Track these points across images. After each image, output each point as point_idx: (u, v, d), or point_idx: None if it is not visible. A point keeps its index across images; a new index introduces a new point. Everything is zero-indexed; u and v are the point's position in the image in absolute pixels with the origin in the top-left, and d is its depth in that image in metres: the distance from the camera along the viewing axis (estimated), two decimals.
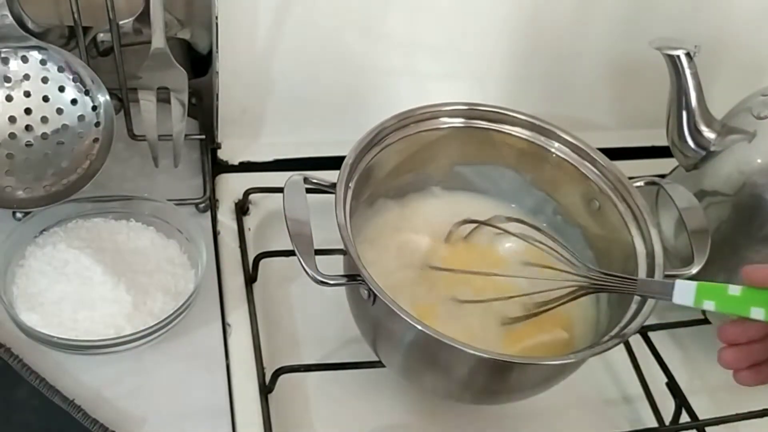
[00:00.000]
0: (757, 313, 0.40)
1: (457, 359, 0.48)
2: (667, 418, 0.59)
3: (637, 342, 0.63)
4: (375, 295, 0.47)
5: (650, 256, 0.54)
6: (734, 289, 0.42)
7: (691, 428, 0.59)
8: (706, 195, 0.64)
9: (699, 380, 0.65)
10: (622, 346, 0.63)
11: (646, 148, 0.82)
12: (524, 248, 0.59)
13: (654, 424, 0.59)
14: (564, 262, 0.56)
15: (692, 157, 0.65)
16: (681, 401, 0.60)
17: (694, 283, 0.44)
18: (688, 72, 0.62)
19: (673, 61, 0.62)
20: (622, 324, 0.49)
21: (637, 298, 0.50)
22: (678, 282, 0.45)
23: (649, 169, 0.73)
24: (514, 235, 0.59)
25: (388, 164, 0.58)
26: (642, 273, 0.53)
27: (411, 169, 0.61)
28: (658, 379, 0.61)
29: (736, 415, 0.59)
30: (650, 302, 0.49)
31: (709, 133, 0.64)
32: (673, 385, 0.61)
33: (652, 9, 0.75)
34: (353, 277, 0.48)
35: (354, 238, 0.51)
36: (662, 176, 0.69)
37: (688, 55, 0.62)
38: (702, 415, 0.59)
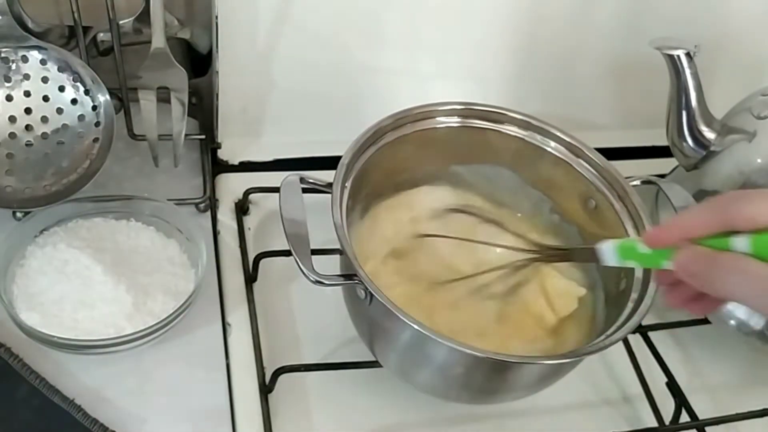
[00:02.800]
0: (667, 264, 0.42)
1: (453, 358, 0.48)
2: (667, 418, 0.59)
3: (637, 342, 0.63)
4: (372, 295, 0.47)
5: None
6: (644, 248, 0.44)
7: (691, 428, 0.59)
8: (706, 195, 0.64)
9: (699, 380, 0.65)
10: (621, 346, 0.63)
11: (646, 148, 0.82)
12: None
13: (654, 423, 0.59)
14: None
15: (692, 156, 0.65)
16: (681, 401, 0.59)
17: (613, 245, 0.47)
18: (688, 72, 0.62)
19: (673, 60, 0.62)
20: (618, 323, 0.49)
21: (633, 296, 0.50)
22: (601, 246, 0.48)
23: (649, 168, 0.73)
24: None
25: (385, 164, 0.58)
26: (638, 271, 0.53)
27: (408, 168, 0.61)
28: (658, 379, 0.61)
29: (736, 414, 0.59)
30: (646, 301, 0.49)
31: (709, 133, 0.64)
32: (672, 385, 0.60)
33: (652, 9, 0.74)
34: (350, 277, 0.48)
35: (350, 238, 0.51)
36: (662, 176, 0.69)
37: (687, 54, 0.62)
38: (702, 415, 0.59)
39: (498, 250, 0.60)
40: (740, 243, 0.38)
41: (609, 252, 0.47)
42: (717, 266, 0.39)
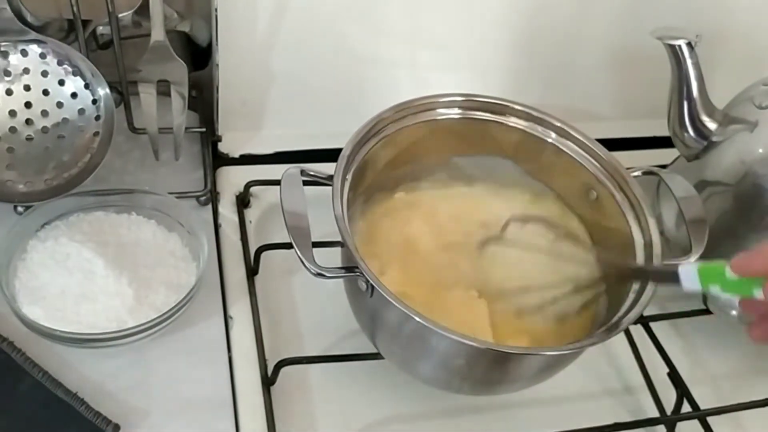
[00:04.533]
0: (758, 293, 0.41)
1: (454, 350, 0.48)
2: (669, 408, 0.59)
3: (638, 332, 0.63)
4: (373, 287, 0.47)
5: (648, 245, 0.54)
6: (731, 274, 0.43)
7: (693, 418, 0.59)
8: (707, 185, 0.63)
9: (700, 370, 0.65)
10: (623, 337, 0.63)
11: (647, 139, 0.82)
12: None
13: (655, 414, 0.59)
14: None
15: (693, 147, 0.65)
16: (682, 391, 0.60)
17: (695, 268, 0.45)
18: (689, 62, 0.62)
19: (675, 50, 0.62)
20: (620, 314, 0.49)
21: (635, 287, 0.50)
22: (681, 268, 0.46)
23: (651, 159, 0.73)
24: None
25: (386, 156, 0.58)
26: (639, 262, 0.53)
27: (409, 160, 0.61)
28: (660, 369, 0.61)
29: (738, 404, 0.59)
30: (647, 292, 0.49)
31: (710, 123, 0.64)
32: (674, 375, 0.61)
33: None
34: (351, 269, 0.49)
35: (351, 230, 0.51)
36: (663, 167, 0.69)
37: (689, 44, 0.62)
38: (703, 405, 0.59)
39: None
40: None
41: (690, 275, 0.45)
42: None
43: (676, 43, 0.62)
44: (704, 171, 0.64)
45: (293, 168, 0.54)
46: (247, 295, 0.61)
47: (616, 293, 0.53)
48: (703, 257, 0.54)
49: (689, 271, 0.45)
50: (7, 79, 0.59)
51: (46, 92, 0.60)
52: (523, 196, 0.64)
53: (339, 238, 0.50)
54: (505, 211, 0.63)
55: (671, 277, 0.46)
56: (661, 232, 0.55)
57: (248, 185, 0.69)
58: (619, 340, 0.63)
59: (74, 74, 0.60)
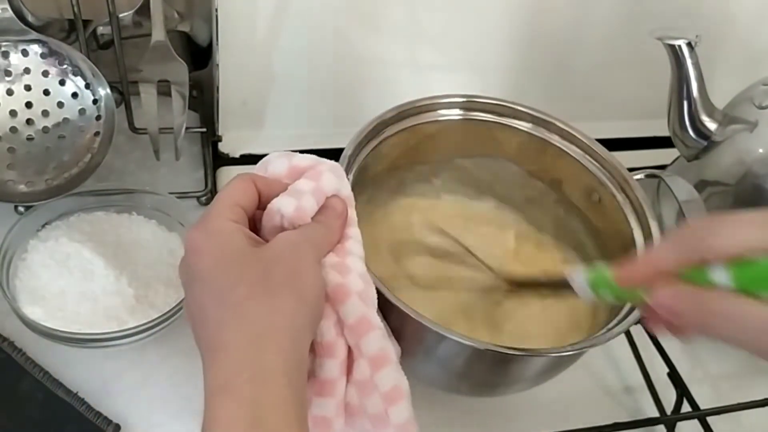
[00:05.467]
0: (646, 297, 0.40)
1: (455, 350, 0.48)
2: (669, 408, 0.59)
3: (638, 332, 0.63)
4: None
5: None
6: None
7: (693, 418, 0.59)
8: (707, 185, 0.64)
9: (700, 370, 0.65)
10: (623, 337, 0.63)
11: (647, 139, 0.82)
12: None
13: (655, 414, 0.59)
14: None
15: (693, 147, 0.65)
16: (682, 391, 0.60)
17: (584, 278, 0.44)
18: (689, 62, 0.62)
19: (674, 50, 0.62)
20: (620, 315, 0.49)
21: None
22: (572, 277, 0.45)
23: (651, 159, 0.73)
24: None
25: (387, 156, 0.58)
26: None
27: (410, 161, 0.61)
28: (660, 369, 0.61)
29: (738, 404, 0.59)
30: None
31: (710, 123, 0.64)
32: (674, 375, 0.61)
33: None
34: None
35: None
36: (663, 167, 0.69)
37: (689, 44, 0.62)
38: (703, 405, 0.59)
39: None
40: (720, 276, 0.36)
41: (581, 284, 0.45)
42: (709, 309, 0.36)
43: (676, 43, 0.62)
44: (704, 171, 0.64)
45: None
46: None
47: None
48: None
49: (580, 281, 0.45)
50: (7, 79, 0.59)
51: (46, 92, 0.60)
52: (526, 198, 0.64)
53: None
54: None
55: (565, 285, 0.45)
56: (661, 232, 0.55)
57: None
58: (620, 340, 0.62)
59: (75, 74, 0.60)
